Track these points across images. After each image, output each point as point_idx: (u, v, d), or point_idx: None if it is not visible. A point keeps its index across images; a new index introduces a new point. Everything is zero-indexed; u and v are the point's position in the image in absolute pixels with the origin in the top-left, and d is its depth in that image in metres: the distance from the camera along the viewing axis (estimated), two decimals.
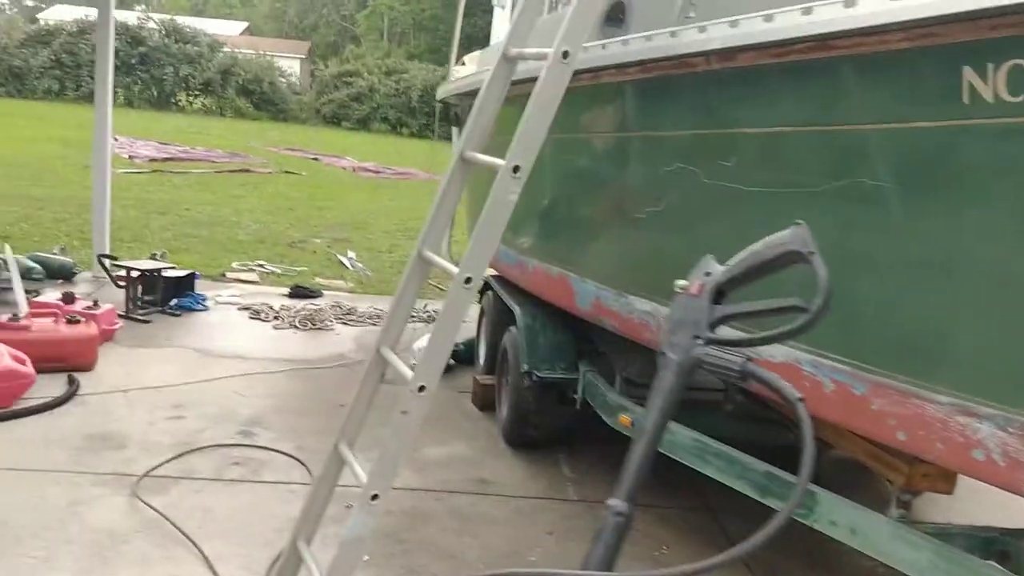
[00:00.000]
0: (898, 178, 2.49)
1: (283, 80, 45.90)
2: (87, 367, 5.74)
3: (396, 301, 3.43)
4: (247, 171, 20.11)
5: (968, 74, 2.22)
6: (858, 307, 2.72)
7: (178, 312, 7.36)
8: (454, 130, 6.90)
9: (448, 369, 6.60)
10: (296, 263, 10.44)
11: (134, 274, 7.17)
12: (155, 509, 4.01)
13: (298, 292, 8.65)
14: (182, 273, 7.67)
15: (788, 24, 2.51)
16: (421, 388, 3.02)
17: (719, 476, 3.65)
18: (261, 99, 43.43)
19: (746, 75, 2.82)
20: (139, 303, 7.17)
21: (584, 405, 4.72)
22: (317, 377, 6.28)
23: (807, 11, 2.45)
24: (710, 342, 1.52)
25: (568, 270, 4.29)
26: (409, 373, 3.10)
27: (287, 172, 20.86)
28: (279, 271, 9.83)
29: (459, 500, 4.48)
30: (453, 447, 5.22)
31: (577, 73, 2.84)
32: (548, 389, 4.86)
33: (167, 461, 4.54)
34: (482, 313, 6.49)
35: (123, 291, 7.21)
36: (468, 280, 3.01)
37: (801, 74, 2.62)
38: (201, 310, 7.59)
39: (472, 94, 5.64)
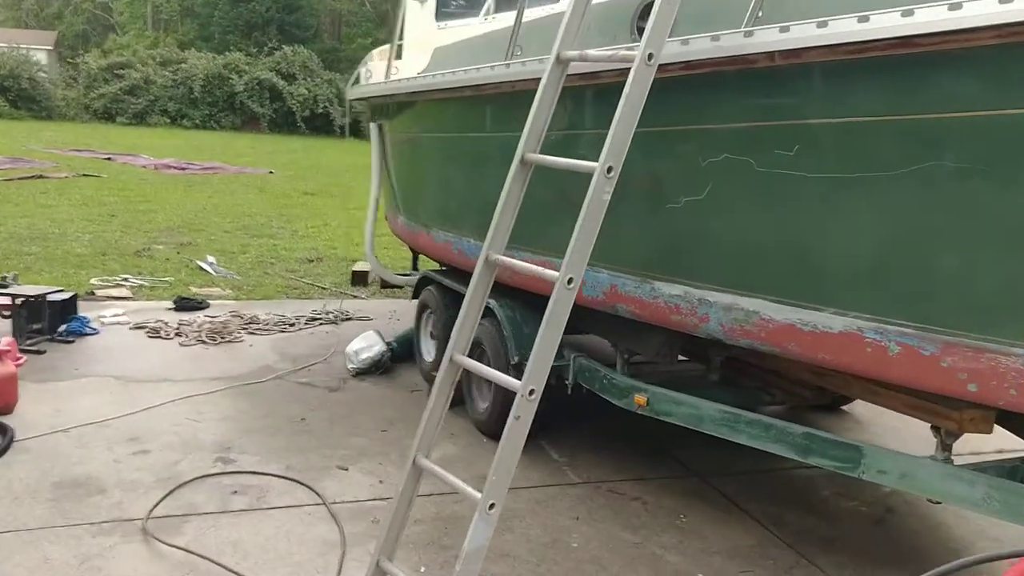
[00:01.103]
0: (980, 160, 2.80)
1: (44, 75, 42.01)
2: (7, 410, 5.16)
3: (465, 310, 3.40)
4: (42, 177, 18.34)
5: None
6: (934, 276, 3.04)
7: (70, 338, 6.73)
8: (372, 127, 6.74)
9: (385, 370, 6.55)
10: (155, 273, 9.78)
11: (18, 301, 6.46)
12: (186, 549, 3.74)
13: (183, 304, 8.14)
14: (66, 296, 7.00)
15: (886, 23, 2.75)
16: (531, 392, 3.04)
17: (754, 443, 3.91)
18: (19, 96, 39.53)
19: (811, 69, 3.06)
20: (26, 333, 6.48)
21: (575, 389, 4.86)
22: (258, 393, 5.98)
23: (908, 12, 2.70)
24: None
25: (552, 257, 4.38)
26: (514, 382, 3.11)
27: (85, 175, 19.23)
28: (147, 284, 9.16)
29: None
30: (440, 449, 5.17)
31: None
32: None
33: (162, 500, 4.21)
34: (424, 308, 6.43)
35: (7, 321, 6.48)
36: (570, 281, 3.07)
37: (881, 68, 2.88)
38: (92, 334, 6.98)
39: (413, 96, 5.58)
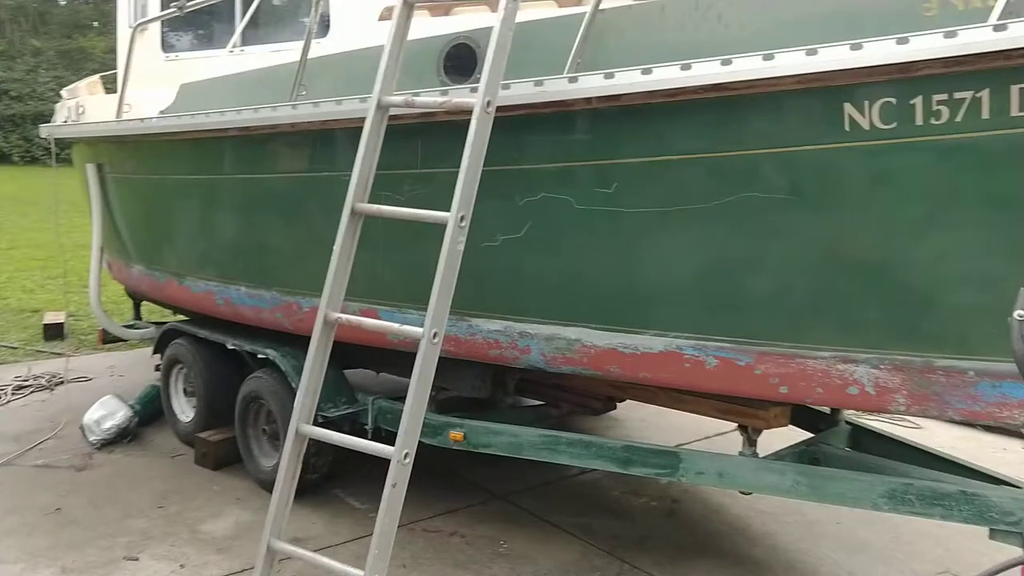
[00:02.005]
0: (786, 191, 3.16)
1: None
2: None
3: (308, 375, 3.18)
4: None
5: (848, 109, 2.96)
6: (746, 295, 3.38)
7: None
8: (90, 169, 5.98)
9: (133, 437, 5.90)
10: None
11: None
12: None
13: None
14: None
15: (706, 71, 3.00)
16: (406, 456, 2.94)
17: (576, 461, 4.09)
18: None
19: (634, 112, 3.25)
20: None
21: (376, 433, 4.73)
22: None
23: (727, 62, 2.97)
24: None
25: (376, 305, 4.26)
26: (386, 448, 2.96)
27: None
28: None
29: (294, 565, 4.19)
30: (231, 516, 4.78)
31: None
32: (335, 427, 4.73)
33: None
34: (173, 364, 5.85)
35: None
36: (435, 335, 3.01)
37: (701, 111, 3.14)
38: None
39: (166, 136, 5.05)
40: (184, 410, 5.85)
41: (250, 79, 4.58)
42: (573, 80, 3.25)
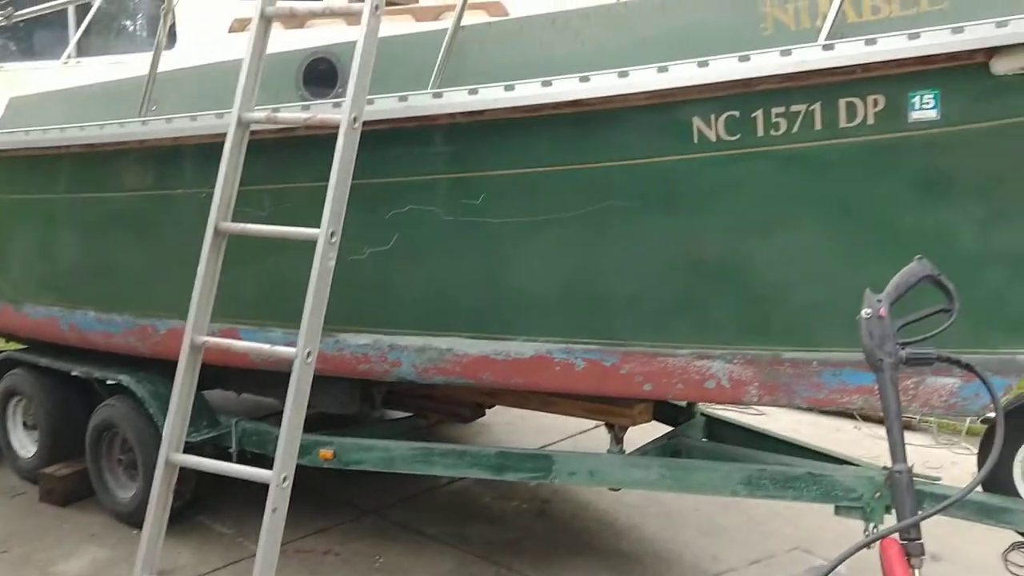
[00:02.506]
0: (643, 200, 3.34)
1: None
2: None
3: (176, 403, 3.07)
4: None
5: (697, 122, 3.17)
6: (610, 299, 3.53)
7: None
8: None
9: None
10: None
11: None
12: None
13: None
14: None
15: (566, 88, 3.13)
16: (285, 479, 2.91)
17: (450, 472, 4.16)
18: None
19: (498, 127, 3.34)
20: None
21: (241, 456, 4.60)
22: None
23: (585, 79, 3.10)
24: (904, 346, 2.11)
25: (237, 324, 4.15)
26: (264, 473, 2.89)
27: None
28: None
29: None
30: (86, 554, 4.52)
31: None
32: (197, 451, 4.57)
33: None
34: (10, 396, 5.46)
35: None
36: (309, 355, 2.99)
37: (562, 125, 3.27)
38: None
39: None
40: (24, 445, 5.47)
41: (90, 93, 4.36)
42: (438, 96, 3.30)
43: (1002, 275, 3.13)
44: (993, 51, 2.88)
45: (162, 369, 4.54)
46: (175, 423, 3.07)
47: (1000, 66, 2.92)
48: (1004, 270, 3.13)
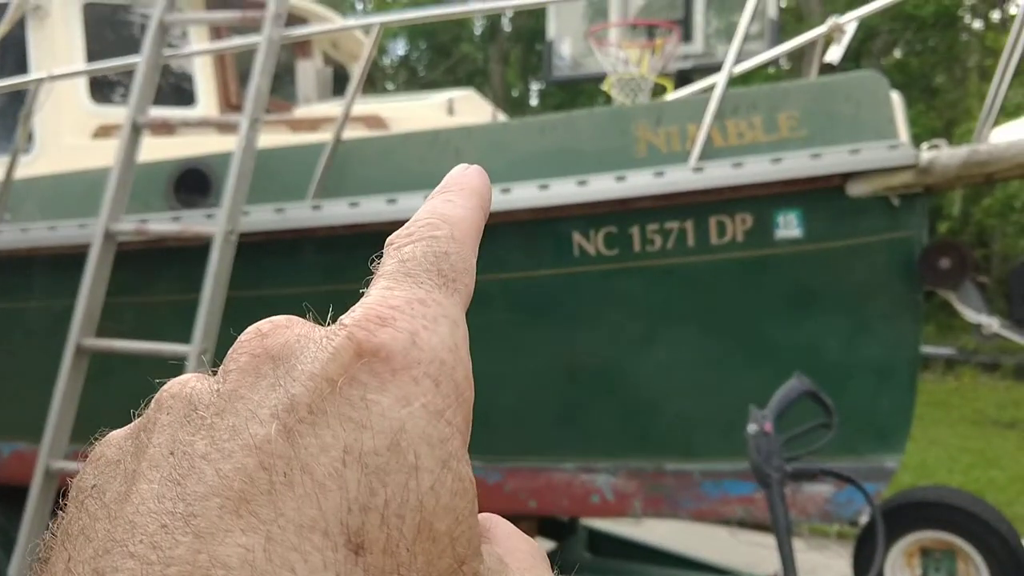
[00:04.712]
0: (524, 313, 3.35)
1: None
2: None
3: (26, 530, 2.77)
4: None
5: (577, 237, 3.24)
6: (493, 415, 3.48)
7: None
8: None
9: None
10: None
11: None
12: None
13: None
14: None
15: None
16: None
17: None
18: None
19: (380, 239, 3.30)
20: None
21: None
22: None
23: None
24: (789, 460, 2.12)
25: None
26: None
27: None
28: None
29: None
30: None
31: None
32: None
33: None
34: None
35: None
36: None
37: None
38: None
39: None
40: None
41: None
42: (317, 208, 3.25)
43: (866, 385, 3.27)
44: (848, 176, 3.10)
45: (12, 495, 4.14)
46: (23, 558, 2.77)
47: (854, 189, 3.13)
48: (868, 380, 3.28)
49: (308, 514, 0.22)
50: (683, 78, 6.29)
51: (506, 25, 21.84)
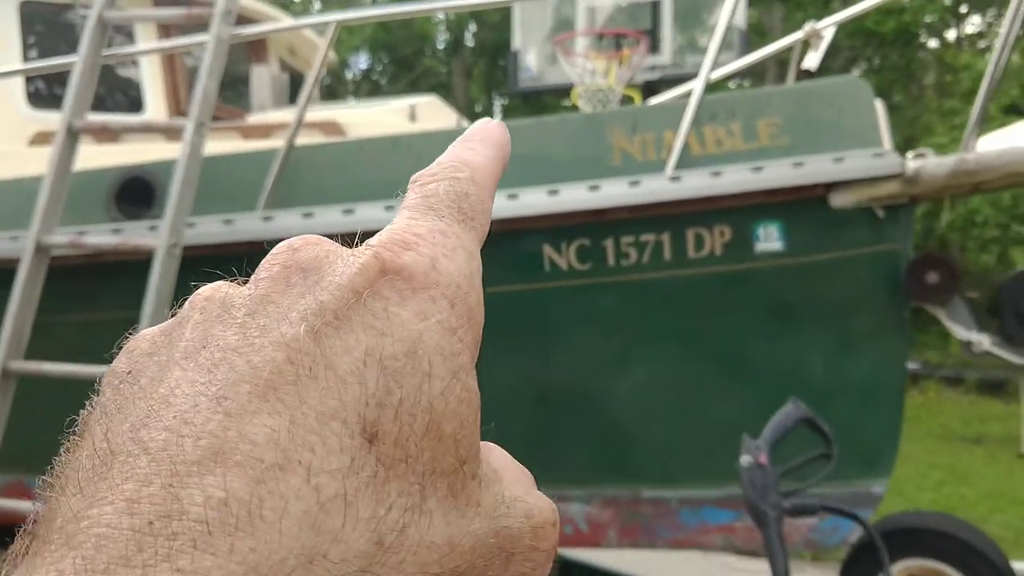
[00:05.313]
0: (490, 331, 3.15)
1: None
2: None
3: None
4: None
5: (548, 250, 3.05)
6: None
7: None
8: None
9: None
10: None
11: None
12: None
13: None
14: None
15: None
16: None
17: None
18: None
19: None
20: None
21: None
22: None
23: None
24: (787, 495, 1.93)
25: (28, 476, 3.56)
26: None
27: None
28: None
29: None
30: None
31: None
32: None
33: None
34: None
35: None
36: None
37: None
38: None
39: None
40: None
41: None
42: (268, 219, 3.02)
43: (852, 407, 3.11)
44: (831, 186, 2.95)
45: None
46: None
47: (837, 200, 2.98)
48: (853, 402, 3.12)
49: (329, 404, 0.24)
50: (650, 89, 6.16)
51: (469, 40, 21.73)
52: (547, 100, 13.15)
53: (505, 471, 0.31)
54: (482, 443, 0.29)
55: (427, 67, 22.07)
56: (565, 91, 6.00)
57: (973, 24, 17.33)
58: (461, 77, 21.24)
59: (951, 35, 17.41)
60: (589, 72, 5.98)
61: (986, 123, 3.14)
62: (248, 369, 0.24)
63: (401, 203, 0.30)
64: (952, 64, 15.31)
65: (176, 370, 0.25)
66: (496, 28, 18.81)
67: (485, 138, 0.34)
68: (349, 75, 22.84)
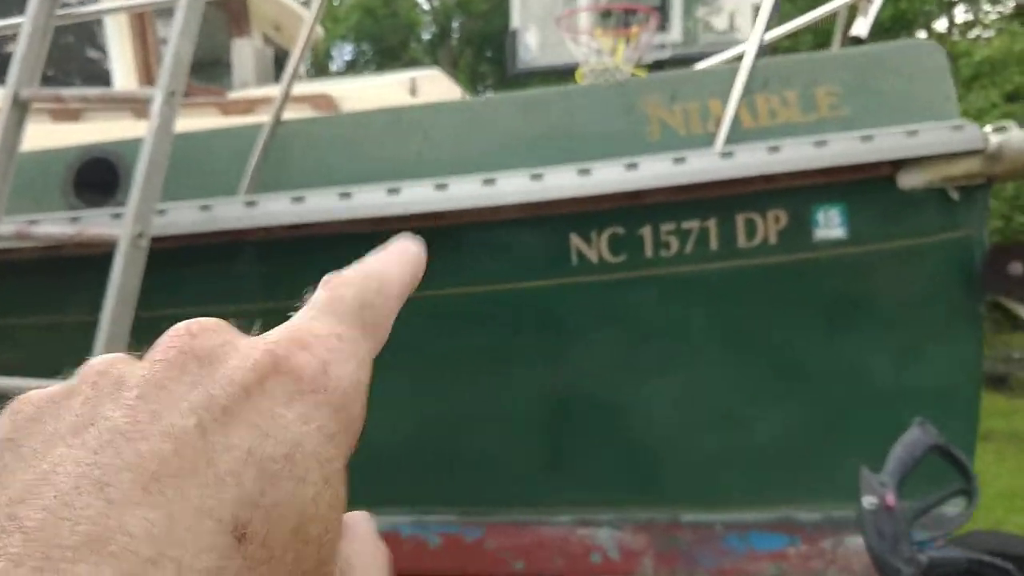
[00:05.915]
0: (508, 334, 2.74)
1: None
2: None
3: None
4: None
5: (575, 240, 2.64)
6: (469, 457, 2.87)
7: None
8: None
9: None
10: None
11: None
12: None
13: None
14: None
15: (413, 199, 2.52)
16: None
17: None
18: None
19: (328, 242, 2.67)
20: None
21: None
22: None
23: (442, 186, 2.51)
24: (919, 545, 1.53)
25: None
26: None
27: None
28: None
29: None
30: None
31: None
32: None
33: None
34: None
35: None
36: None
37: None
38: None
39: None
40: None
41: None
42: (251, 204, 2.59)
43: (921, 414, 2.73)
44: (899, 163, 2.56)
45: None
46: None
47: (906, 180, 2.59)
48: (923, 409, 2.72)
49: (207, 503, 0.24)
50: (659, 69, 5.76)
51: (455, 31, 21.32)
52: (549, 83, 12.72)
53: (359, 556, 0.31)
54: (349, 518, 0.30)
55: (412, 57, 21.66)
56: (570, 71, 5.58)
57: (965, 12, 17.01)
58: (447, 68, 20.82)
59: (941, 25, 17.10)
60: (595, 51, 5.58)
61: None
62: (134, 457, 0.24)
63: (309, 300, 0.31)
64: (951, 52, 15.00)
65: (61, 446, 0.25)
66: (484, 17, 18.38)
67: (402, 253, 0.35)
68: (333, 67, 22.39)
